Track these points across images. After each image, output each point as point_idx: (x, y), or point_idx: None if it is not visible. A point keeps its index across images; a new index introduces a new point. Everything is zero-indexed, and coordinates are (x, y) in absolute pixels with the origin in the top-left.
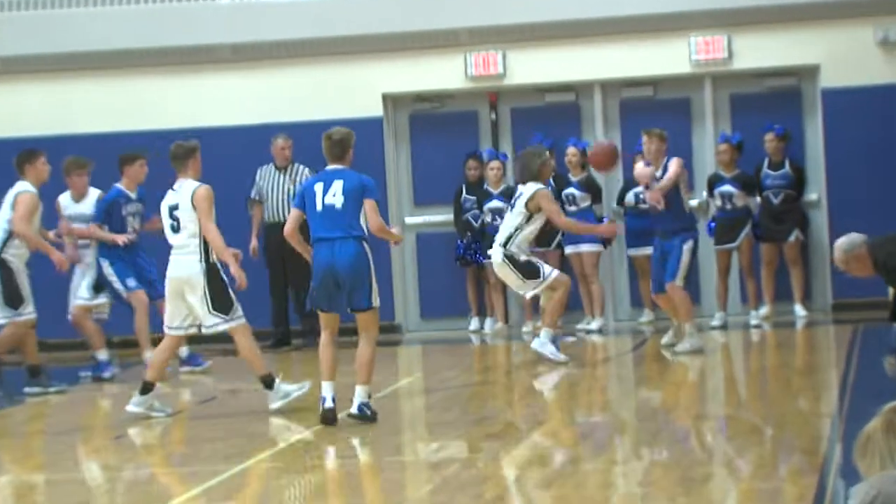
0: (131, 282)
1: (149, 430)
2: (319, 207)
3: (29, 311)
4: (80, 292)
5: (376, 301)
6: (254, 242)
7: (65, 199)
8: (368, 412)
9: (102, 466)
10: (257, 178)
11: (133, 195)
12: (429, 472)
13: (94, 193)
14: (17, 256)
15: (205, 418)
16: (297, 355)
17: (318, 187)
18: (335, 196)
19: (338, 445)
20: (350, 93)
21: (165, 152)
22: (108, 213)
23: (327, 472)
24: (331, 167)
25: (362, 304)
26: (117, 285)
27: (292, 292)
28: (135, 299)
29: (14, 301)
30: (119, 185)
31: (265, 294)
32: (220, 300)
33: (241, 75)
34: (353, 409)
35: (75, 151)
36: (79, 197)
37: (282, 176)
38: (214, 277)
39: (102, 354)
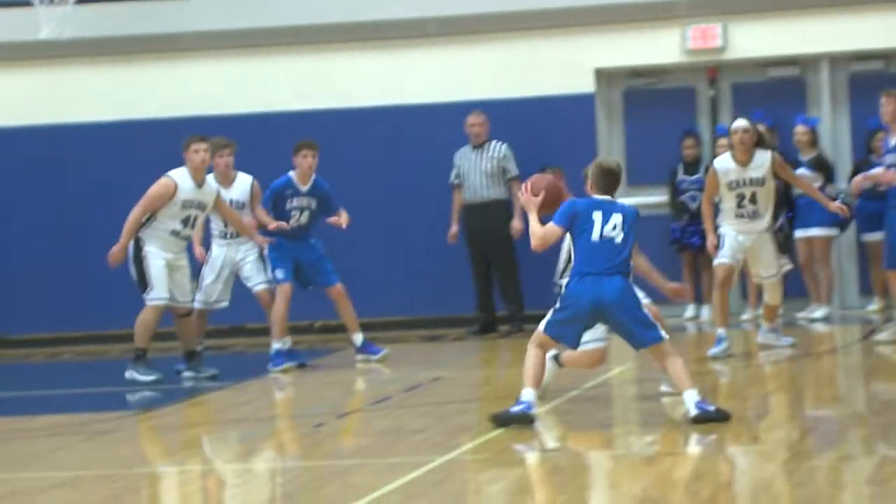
0: (280, 273)
1: (348, 420)
2: (596, 238)
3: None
4: (260, 277)
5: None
6: (454, 228)
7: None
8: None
9: (303, 456)
10: (456, 160)
11: (303, 188)
12: (641, 468)
13: (242, 178)
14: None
15: (409, 407)
16: (503, 343)
17: (597, 216)
18: (615, 229)
19: (545, 438)
20: (560, 68)
21: (368, 131)
22: (274, 203)
23: (532, 466)
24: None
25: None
26: (268, 273)
27: (497, 277)
28: (279, 289)
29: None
30: (290, 174)
31: (468, 279)
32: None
33: (446, 50)
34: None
35: (267, 130)
36: (224, 180)
37: (477, 155)
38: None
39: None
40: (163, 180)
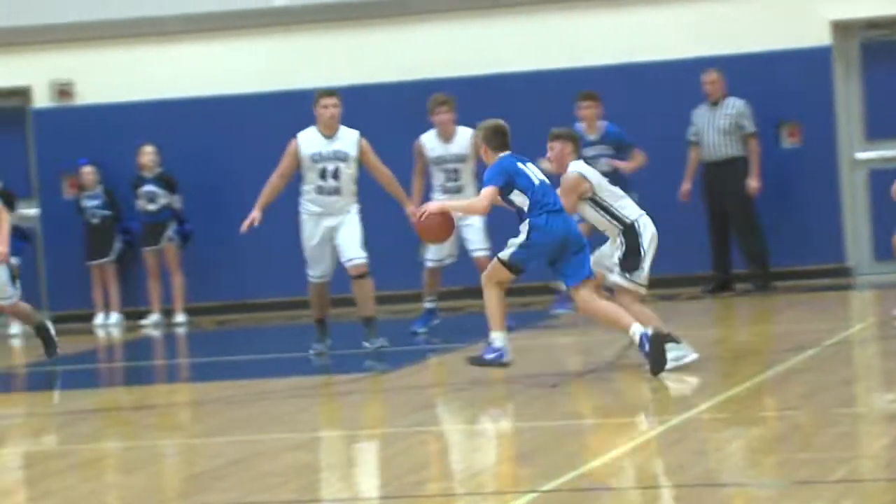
0: None
1: (584, 380)
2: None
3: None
4: (481, 243)
5: None
6: (685, 185)
7: (429, 140)
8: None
9: (539, 416)
10: (693, 118)
11: (591, 136)
12: (884, 425)
13: (463, 132)
14: None
15: (644, 367)
16: (739, 301)
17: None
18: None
19: (784, 396)
20: (794, 21)
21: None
22: None
23: (771, 425)
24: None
25: None
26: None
27: (737, 235)
28: None
29: None
30: (579, 125)
31: (704, 237)
32: None
33: (681, 7)
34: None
35: (495, 90)
36: (445, 136)
37: (714, 112)
38: None
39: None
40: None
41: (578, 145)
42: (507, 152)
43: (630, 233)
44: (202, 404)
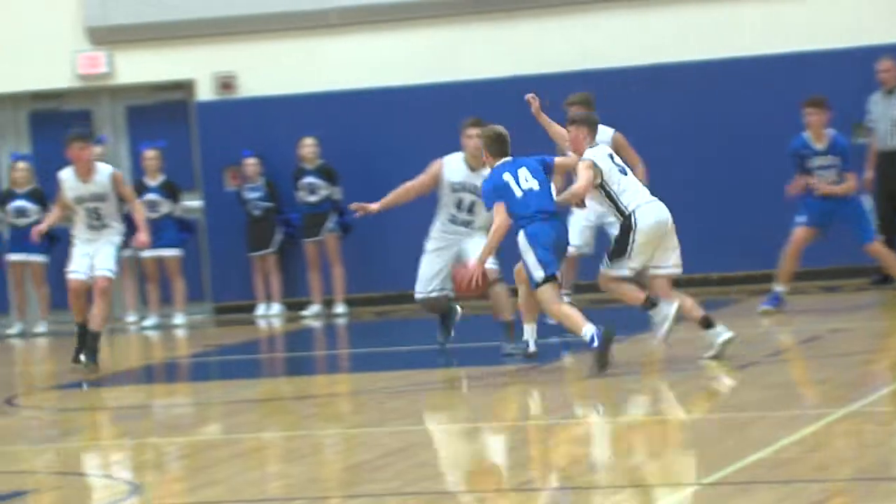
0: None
1: (746, 372)
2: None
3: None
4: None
5: None
6: (868, 173)
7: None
8: None
9: (701, 408)
10: (870, 105)
11: (819, 146)
12: None
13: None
14: None
15: (807, 359)
16: None
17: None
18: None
19: None
20: None
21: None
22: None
23: None
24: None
25: None
26: None
27: None
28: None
29: None
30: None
31: None
32: None
33: None
34: None
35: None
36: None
37: (887, 101)
38: None
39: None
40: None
41: (595, 132)
42: (508, 159)
43: (625, 223)
44: (362, 394)
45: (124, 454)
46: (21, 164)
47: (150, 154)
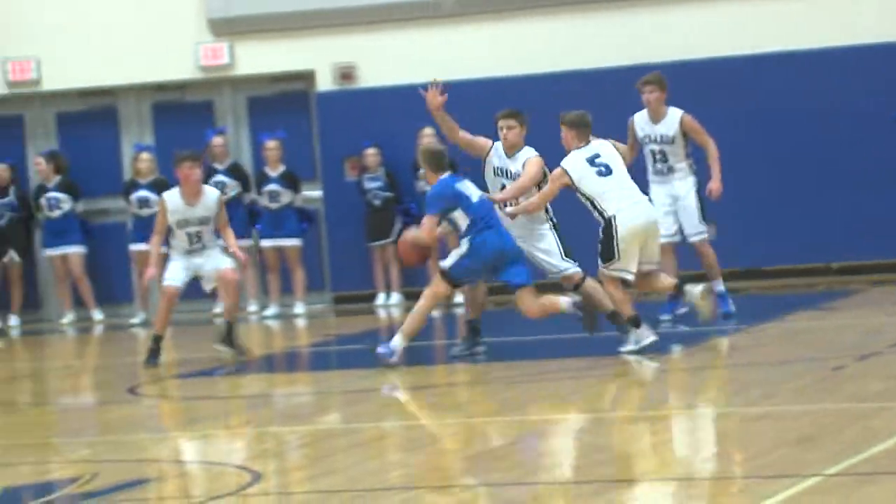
0: None
1: (869, 362)
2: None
3: None
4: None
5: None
6: None
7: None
8: None
9: (822, 398)
10: None
11: None
12: None
13: (672, 113)
14: None
15: None
16: None
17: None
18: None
19: None
20: None
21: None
22: None
23: None
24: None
25: None
26: None
27: None
28: None
29: None
30: None
31: None
32: None
33: None
34: None
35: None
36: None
37: None
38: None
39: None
40: None
41: (584, 132)
42: (447, 174)
43: (607, 228)
44: (482, 384)
45: (245, 443)
46: (144, 155)
47: (271, 144)
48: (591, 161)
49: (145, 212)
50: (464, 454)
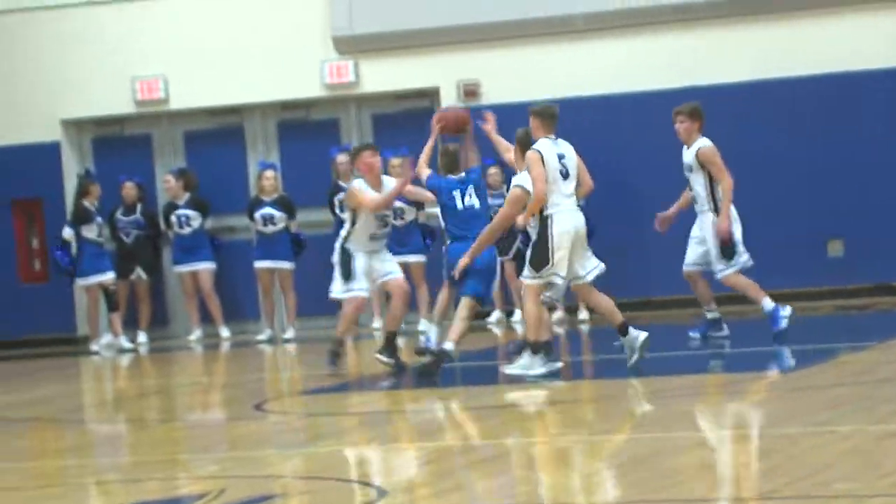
0: None
1: None
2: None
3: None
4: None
5: None
6: None
7: None
8: None
9: None
10: None
11: None
12: None
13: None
14: None
15: None
16: None
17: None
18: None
19: None
20: None
21: None
22: None
23: None
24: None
25: None
26: None
27: None
28: None
29: None
30: None
31: None
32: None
33: None
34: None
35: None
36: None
37: None
38: None
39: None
40: None
41: (550, 124)
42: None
43: (542, 228)
44: (603, 401)
45: (371, 459)
46: (268, 173)
47: (396, 161)
48: (559, 158)
49: (269, 229)
50: (585, 472)
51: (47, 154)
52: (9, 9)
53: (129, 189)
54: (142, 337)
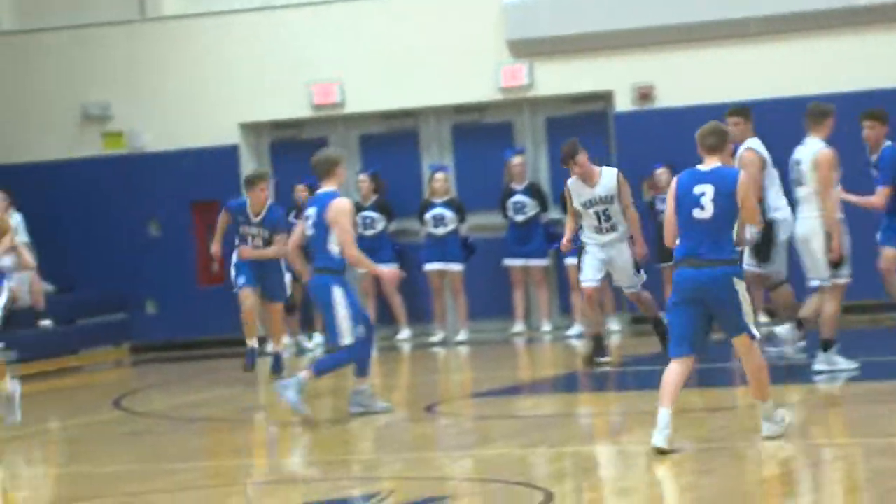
0: None
1: None
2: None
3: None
4: None
5: None
6: None
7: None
8: None
9: None
10: None
11: None
12: None
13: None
14: None
15: None
16: None
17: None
18: None
19: None
20: None
21: None
22: None
23: None
24: None
25: None
26: None
27: None
28: None
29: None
30: None
31: None
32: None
33: None
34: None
35: None
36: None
37: None
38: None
39: None
40: None
41: None
42: None
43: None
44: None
45: (539, 462)
46: (439, 175)
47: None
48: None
49: (440, 230)
50: (755, 478)
51: (226, 157)
52: (187, 14)
53: (301, 192)
54: (318, 338)
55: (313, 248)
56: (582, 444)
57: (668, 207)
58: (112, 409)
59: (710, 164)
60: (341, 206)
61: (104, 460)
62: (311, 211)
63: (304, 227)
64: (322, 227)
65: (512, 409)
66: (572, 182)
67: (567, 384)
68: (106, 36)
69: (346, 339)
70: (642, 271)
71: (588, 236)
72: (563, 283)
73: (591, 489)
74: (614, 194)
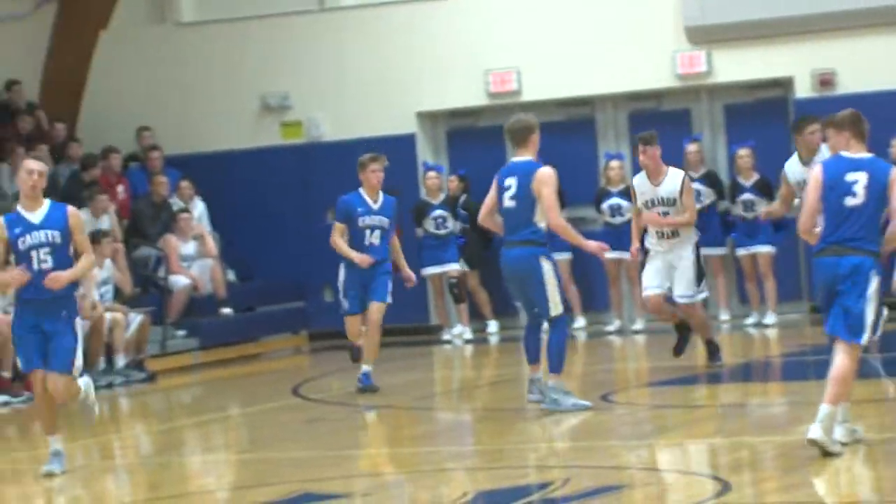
0: None
1: None
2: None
3: None
4: None
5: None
6: None
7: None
8: None
9: None
10: None
11: None
12: None
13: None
14: None
15: None
16: None
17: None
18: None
19: None
20: None
21: None
22: None
23: None
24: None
25: None
26: None
27: None
28: None
29: None
30: None
31: None
32: None
33: None
34: None
35: None
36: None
37: None
38: None
39: None
40: None
41: None
42: None
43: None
44: None
45: (716, 452)
46: (614, 163)
47: (743, 153)
48: None
49: (617, 220)
50: None
51: (403, 146)
52: (366, 4)
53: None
54: (492, 326)
55: (513, 221)
56: (759, 435)
57: (811, 194)
58: (290, 396)
59: (856, 151)
60: (548, 176)
61: (283, 447)
62: (510, 181)
63: (491, 199)
64: (526, 198)
65: (688, 398)
66: (638, 179)
67: (744, 373)
68: (285, 27)
69: (558, 309)
70: (703, 284)
71: (650, 242)
72: (738, 272)
73: (768, 479)
74: (676, 197)
